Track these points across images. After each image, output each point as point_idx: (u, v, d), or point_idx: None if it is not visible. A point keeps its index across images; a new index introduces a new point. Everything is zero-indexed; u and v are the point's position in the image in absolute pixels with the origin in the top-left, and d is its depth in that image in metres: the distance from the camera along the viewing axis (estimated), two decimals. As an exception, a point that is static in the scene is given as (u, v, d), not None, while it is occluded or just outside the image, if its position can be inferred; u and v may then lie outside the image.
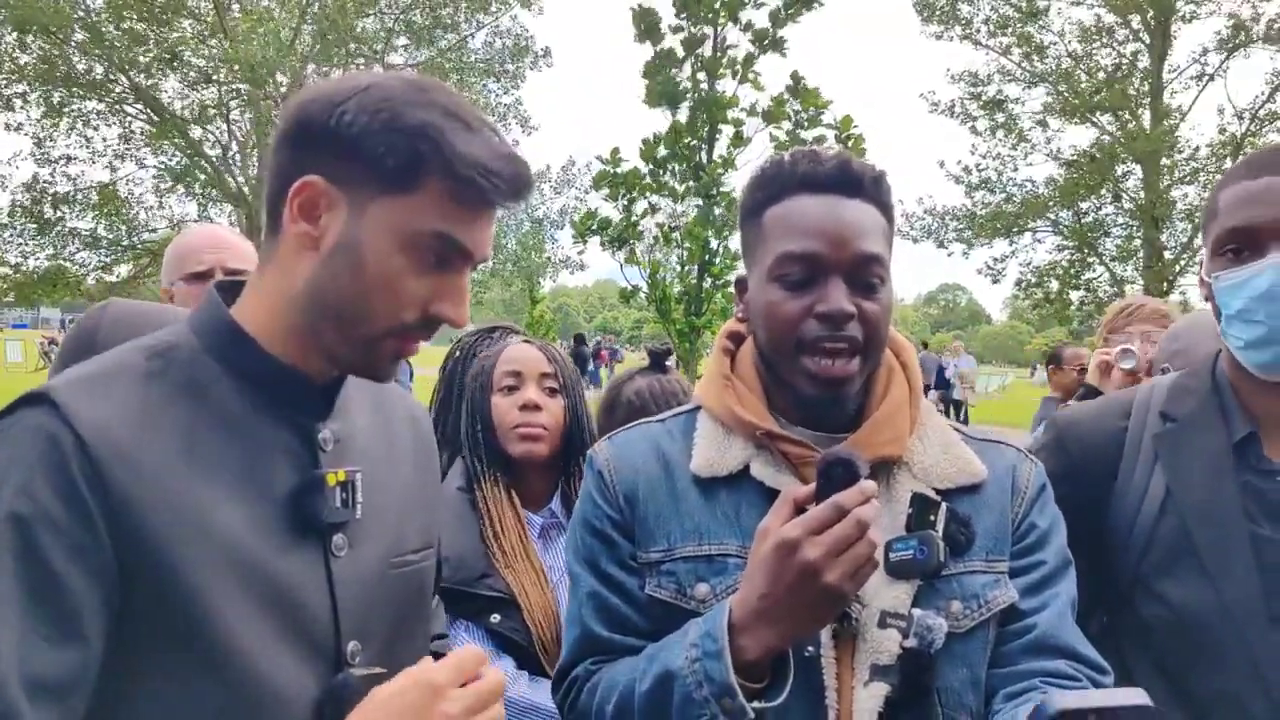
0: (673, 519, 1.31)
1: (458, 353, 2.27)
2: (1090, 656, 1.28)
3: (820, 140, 21.95)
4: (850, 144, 21.80)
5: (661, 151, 22.53)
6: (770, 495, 1.26)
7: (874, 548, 1.09)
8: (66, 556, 0.89)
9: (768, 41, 22.32)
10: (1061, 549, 1.35)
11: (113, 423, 0.95)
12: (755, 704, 1.12)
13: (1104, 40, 21.25)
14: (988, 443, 1.40)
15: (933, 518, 1.25)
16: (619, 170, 22.33)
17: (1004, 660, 1.27)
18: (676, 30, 22.48)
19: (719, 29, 22.59)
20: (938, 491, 1.29)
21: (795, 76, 22.61)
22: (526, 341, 2.07)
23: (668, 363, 2.34)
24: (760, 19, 22.32)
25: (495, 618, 1.79)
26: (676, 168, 22.61)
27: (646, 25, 22.36)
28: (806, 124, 21.93)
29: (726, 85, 22.90)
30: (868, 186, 1.29)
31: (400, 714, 0.95)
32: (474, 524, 1.88)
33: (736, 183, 23.35)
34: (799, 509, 1.13)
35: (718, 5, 22.01)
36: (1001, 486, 1.34)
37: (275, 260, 1.07)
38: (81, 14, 18.22)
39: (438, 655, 1.06)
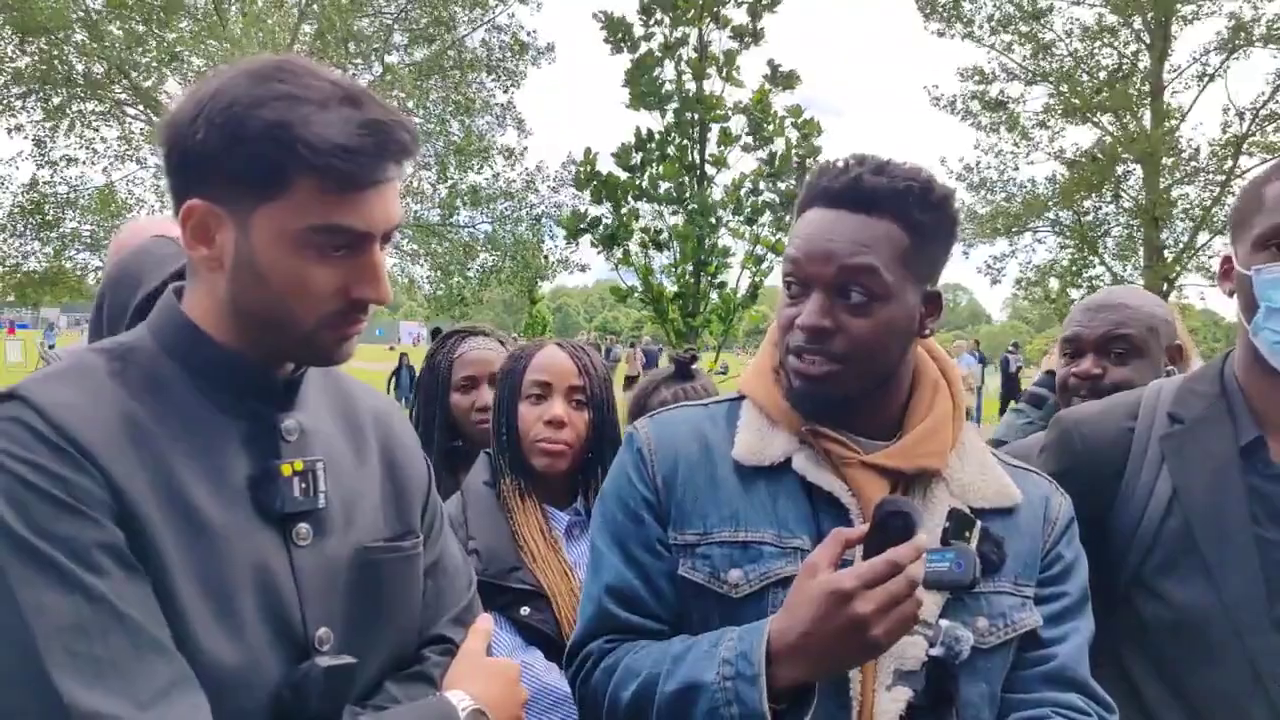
0: (710, 503, 1.32)
1: (438, 357, 2.28)
2: (1101, 695, 1.32)
3: (778, 126, 21.90)
4: (805, 129, 21.78)
5: (636, 157, 22.47)
6: (809, 490, 1.30)
7: (919, 605, 1.12)
8: (72, 504, 0.91)
9: (748, 38, 22.29)
10: (1083, 584, 1.37)
11: (82, 411, 0.97)
12: None
13: (1105, 40, 21.23)
14: (1020, 469, 1.42)
15: (968, 534, 1.25)
16: (596, 170, 22.24)
17: (1020, 685, 1.30)
18: (648, 38, 22.43)
19: (702, 29, 22.53)
20: (973, 510, 1.29)
21: (772, 64, 22.57)
22: (559, 345, 2.03)
23: (694, 368, 2.33)
24: (739, 16, 22.28)
25: (525, 610, 1.80)
26: (654, 171, 22.53)
27: (618, 35, 22.27)
28: (764, 115, 21.86)
29: (712, 84, 22.90)
30: (885, 201, 1.25)
31: None
32: (502, 519, 1.88)
33: (722, 181, 23.41)
34: (847, 548, 1.16)
35: (700, 4, 21.88)
36: (1035, 514, 1.36)
37: (199, 277, 1.08)
38: (81, 14, 18.19)
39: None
